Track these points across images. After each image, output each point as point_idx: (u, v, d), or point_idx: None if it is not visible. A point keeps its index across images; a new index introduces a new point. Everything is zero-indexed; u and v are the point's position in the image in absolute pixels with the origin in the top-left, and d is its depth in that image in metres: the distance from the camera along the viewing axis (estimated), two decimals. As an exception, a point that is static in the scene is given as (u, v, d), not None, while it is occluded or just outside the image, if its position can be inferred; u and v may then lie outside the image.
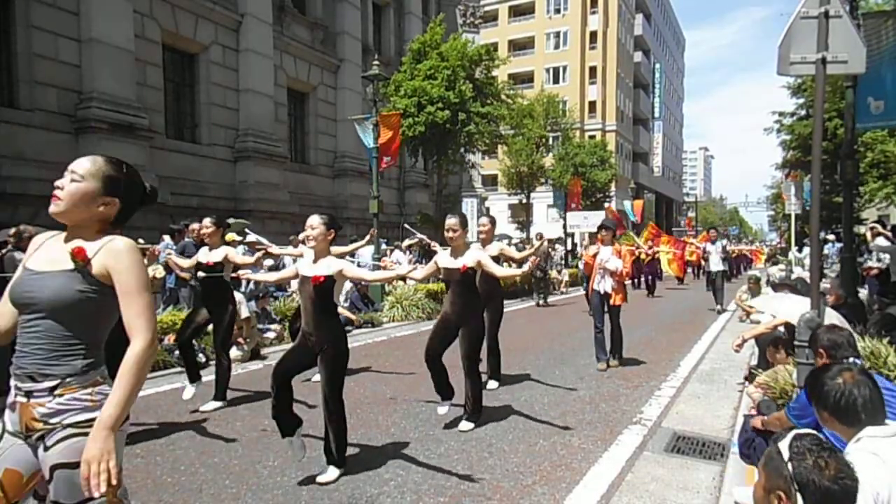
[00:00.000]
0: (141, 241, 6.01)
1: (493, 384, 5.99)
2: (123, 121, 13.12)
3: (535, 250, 5.63)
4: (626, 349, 8.45)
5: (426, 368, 4.85)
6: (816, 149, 4.30)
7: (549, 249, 17.18)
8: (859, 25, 6.44)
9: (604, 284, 6.97)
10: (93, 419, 1.66)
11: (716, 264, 12.86)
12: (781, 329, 4.86)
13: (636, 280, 19.54)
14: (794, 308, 5.05)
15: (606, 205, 33.77)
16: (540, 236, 13.45)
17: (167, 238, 9.90)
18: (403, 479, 3.69)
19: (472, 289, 4.72)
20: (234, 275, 5.28)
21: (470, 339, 4.66)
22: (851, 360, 2.82)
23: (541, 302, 14.69)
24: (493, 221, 6.06)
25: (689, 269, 23.41)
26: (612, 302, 6.93)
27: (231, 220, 12.09)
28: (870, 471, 1.69)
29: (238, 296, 7.95)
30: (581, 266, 19.02)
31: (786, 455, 1.55)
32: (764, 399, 4.18)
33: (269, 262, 11.75)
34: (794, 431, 1.65)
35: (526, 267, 4.39)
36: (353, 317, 10.26)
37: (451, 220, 4.62)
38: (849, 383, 1.98)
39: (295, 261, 4.50)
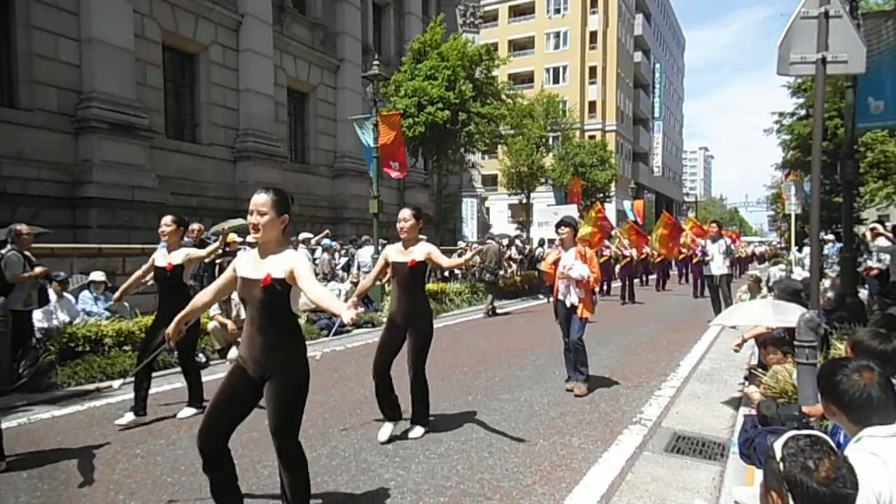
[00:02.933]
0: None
1: (417, 432, 4.52)
2: (123, 121, 13.11)
3: (466, 261, 4.63)
4: (626, 349, 8.44)
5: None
6: (816, 149, 4.29)
7: (503, 250, 15.31)
8: (859, 25, 6.44)
9: (570, 296, 5.91)
10: None
11: (718, 267, 10.81)
12: (780, 329, 4.86)
13: (604, 286, 16.91)
14: (751, 313, 5.10)
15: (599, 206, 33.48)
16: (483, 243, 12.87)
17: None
18: (403, 478, 3.69)
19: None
20: None
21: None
22: None
23: (488, 310, 12.60)
24: (416, 215, 4.47)
25: (677, 272, 22.05)
26: (578, 314, 5.90)
27: (233, 222, 12.14)
28: (870, 471, 1.68)
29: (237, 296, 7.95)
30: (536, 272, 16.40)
31: (778, 454, 1.54)
32: (763, 399, 4.18)
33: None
34: (793, 431, 1.64)
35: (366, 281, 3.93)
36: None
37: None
38: (868, 384, 1.94)
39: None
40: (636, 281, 18.49)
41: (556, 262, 6.00)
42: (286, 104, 19.63)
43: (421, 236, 4.79)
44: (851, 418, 1.94)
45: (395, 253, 4.51)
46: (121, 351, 6.91)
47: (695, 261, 16.93)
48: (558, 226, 6.02)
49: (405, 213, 4.47)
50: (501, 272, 13.53)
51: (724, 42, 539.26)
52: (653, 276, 20.97)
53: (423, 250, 4.43)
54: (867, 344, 2.65)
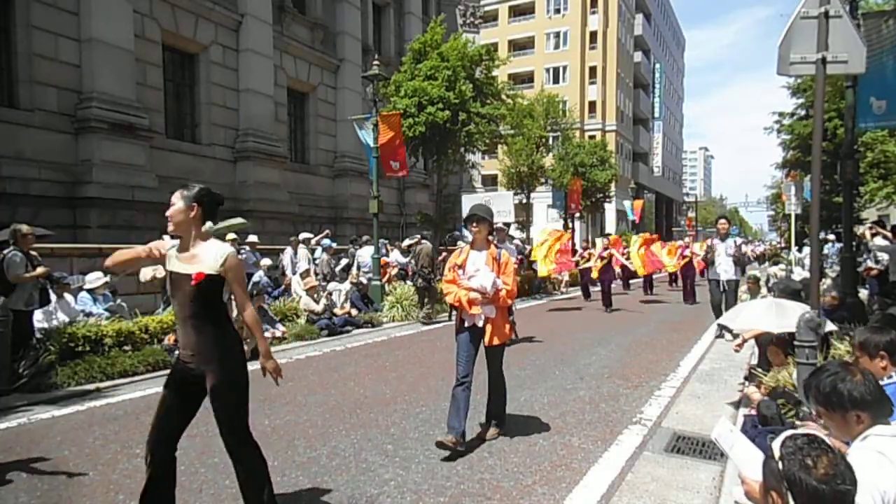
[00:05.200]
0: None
1: None
2: (123, 121, 13.11)
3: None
4: (626, 349, 8.41)
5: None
6: (816, 149, 4.29)
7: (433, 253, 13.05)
8: (859, 25, 6.43)
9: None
10: None
11: (725, 270, 8.96)
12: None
13: (584, 289, 16.24)
14: (755, 316, 4.96)
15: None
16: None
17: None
18: (403, 478, 3.69)
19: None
20: None
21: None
22: None
23: (422, 316, 11.31)
24: (199, 199, 2.87)
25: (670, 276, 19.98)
26: (486, 341, 4.28)
27: (232, 222, 12.11)
28: (875, 469, 1.68)
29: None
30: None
31: (777, 454, 1.54)
32: (763, 399, 4.18)
33: (266, 261, 11.76)
34: (791, 431, 1.64)
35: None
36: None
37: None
38: (867, 380, 1.97)
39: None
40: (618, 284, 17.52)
41: (461, 267, 4.37)
42: (286, 104, 19.63)
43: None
44: (878, 414, 1.94)
45: (174, 258, 2.85)
46: (121, 351, 6.91)
47: (683, 262, 16.05)
48: (468, 220, 4.43)
49: (175, 195, 2.87)
50: (436, 276, 11.48)
51: (724, 42, 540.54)
52: (637, 280, 19.57)
53: (217, 257, 2.77)
54: (875, 340, 2.72)
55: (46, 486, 3.62)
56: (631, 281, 19.72)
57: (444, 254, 12.93)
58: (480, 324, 4.26)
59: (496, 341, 4.32)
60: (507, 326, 4.33)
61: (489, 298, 4.22)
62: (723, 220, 9.68)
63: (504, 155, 30.78)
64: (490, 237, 4.52)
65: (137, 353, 6.97)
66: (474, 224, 4.36)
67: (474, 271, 4.29)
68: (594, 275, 14.84)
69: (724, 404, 5.44)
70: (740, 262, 9.03)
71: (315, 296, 10.00)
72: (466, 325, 4.32)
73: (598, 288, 14.15)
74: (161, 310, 8.96)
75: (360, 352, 8.30)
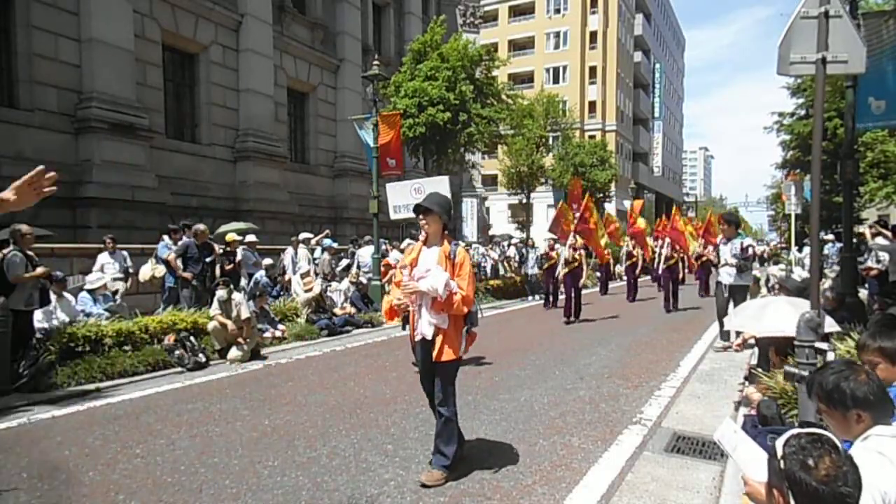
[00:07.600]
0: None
1: None
2: (123, 121, 13.11)
3: None
4: (626, 349, 8.41)
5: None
6: (816, 149, 4.29)
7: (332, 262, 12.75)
8: (859, 25, 6.43)
9: (421, 322, 3.68)
10: None
11: (729, 274, 7.97)
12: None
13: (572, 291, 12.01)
14: (778, 317, 4.72)
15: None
16: None
17: (167, 238, 9.90)
18: (403, 478, 3.69)
19: None
20: None
21: None
22: None
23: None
24: None
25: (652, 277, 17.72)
26: (435, 354, 3.64)
27: (236, 225, 12.13)
28: (876, 470, 1.68)
29: (238, 296, 7.96)
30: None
31: (780, 452, 1.54)
32: (763, 399, 4.18)
33: (268, 260, 11.77)
34: (795, 429, 1.64)
35: None
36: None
37: None
38: (871, 380, 1.97)
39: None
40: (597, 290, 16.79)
41: (412, 266, 3.74)
42: (286, 104, 19.63)
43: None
44: (879, 414, 1.94)
45: None
46: (121, 351, 6.91)
47: (669, 263, 13.56)
48: (417, 211, 3.79)
49: None
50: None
51: (725, 42, 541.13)
52: (618, 284, 18.64)
53: None
54: None
55: (46, 486, 3.62)
56: (610, 285, 18.40)
57: None
58: (429, 335, 3.64)
59: (445, 356, 3.61)
60: (462, 339, 3.67)
61: (441, 304, 3.56)
62: (723, 223, 8.67)
63: (504, 155, 30.80)
64: (445, 230, 3.81)
65: (137, 353, 6.98)
66: (421, 216, 3.75)
67: (424, 271, 3.65)
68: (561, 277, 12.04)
69: (725, 404, 5.44)
70: (741, 268, 7.90)
71: (313, 293, 10.03)
72: (415, 336, 3.74)
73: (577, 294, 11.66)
74: (161, 309, 8.96)
75: (360, 352, 8.30)
